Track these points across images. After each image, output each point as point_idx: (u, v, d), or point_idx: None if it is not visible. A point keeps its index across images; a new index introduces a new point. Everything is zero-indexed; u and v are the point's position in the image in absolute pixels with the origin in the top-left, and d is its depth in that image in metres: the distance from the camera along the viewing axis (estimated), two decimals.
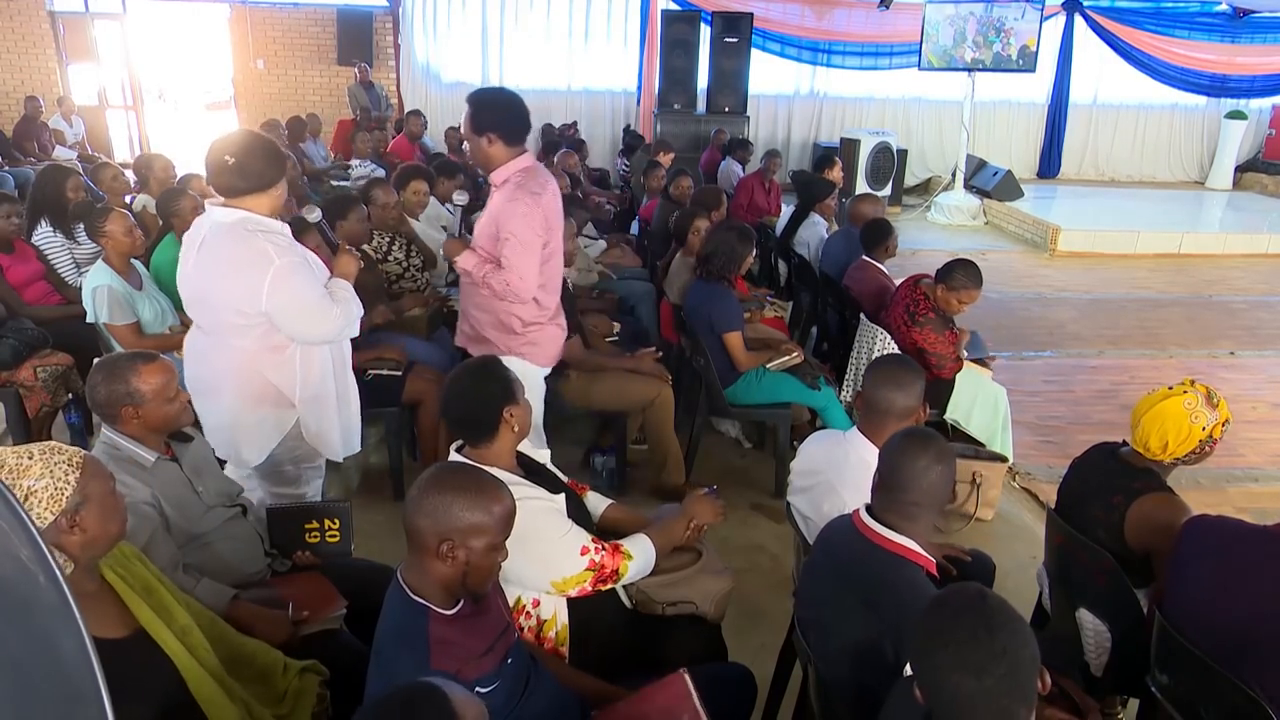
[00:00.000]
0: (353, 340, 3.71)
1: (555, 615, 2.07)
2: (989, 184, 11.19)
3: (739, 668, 2.17)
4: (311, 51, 12.06)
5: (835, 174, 7.24)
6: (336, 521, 2.46)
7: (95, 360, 2.26)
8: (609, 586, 2.11)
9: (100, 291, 3.63)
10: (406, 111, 10.08)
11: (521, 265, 2.92)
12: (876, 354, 3.92)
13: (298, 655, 2.02)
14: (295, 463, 2.87)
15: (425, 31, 12.04)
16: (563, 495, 2.15)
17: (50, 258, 4.43)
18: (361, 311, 2.86)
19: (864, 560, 1.85)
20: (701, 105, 11.16)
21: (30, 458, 1.51)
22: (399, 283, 4.45)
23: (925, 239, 9.80)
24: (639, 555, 2.15)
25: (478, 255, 3.03)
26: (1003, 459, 3.90)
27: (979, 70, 10.36)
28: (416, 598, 1.63)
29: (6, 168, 8.80)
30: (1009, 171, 11.24)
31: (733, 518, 3.85)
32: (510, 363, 2.74)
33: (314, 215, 3.15)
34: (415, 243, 4.68)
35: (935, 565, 1.92)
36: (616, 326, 4.48)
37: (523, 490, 2.03)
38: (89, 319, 3.74)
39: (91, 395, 2.17)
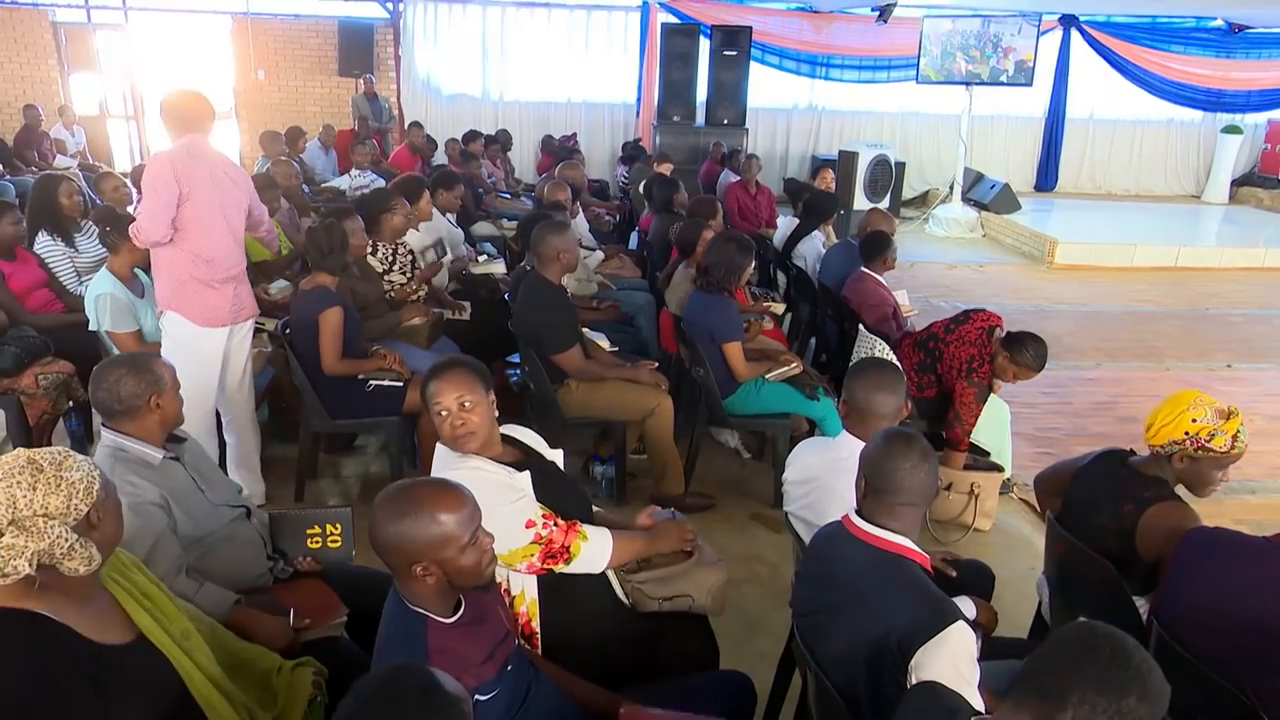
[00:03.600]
0: (355, 350, 3.76)
1: (524, 591, 2.09)
2: (986, 197, 11.25)
3: (738, 675, 2.17)
4: (312, 63, 12.12)
5: (827, 183, 7.29)
6: (338, 527, 2.47)
7: (101, 362, 2.29)
8: (561, 566, 2.09)
9: (104, 299, 3.65)
10: (408, 123, 10.13)
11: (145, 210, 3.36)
12: None
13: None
14: None
15: (426, 43, 12.11)
16: (527, 474, 2.14)
17: (52, 266, 4.44)
18: None
19: (859, 562, 1.87)
20: (701, 118, 11.21)
21: (61, 455, 1.54)
22: (404, 288, 4.48)
23: (923, 251, 9.84)
24: (595, 540, 2.13)
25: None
26: (999, 469, 3.92)
27: (976, 84, 10.43)
28: (414, 607, 1.64)
29: (8, 176, 8.83)
30: (1006, 185, 11.30)
31: (731, 527, 3.87)
32: (169, 318, 3.44)
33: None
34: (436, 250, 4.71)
35: (930, 563, 1.93)
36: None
37: (474, 462, 2.07)
38: (91, 327, 3.75)
39: (113, 391, 2.19)
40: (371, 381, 3.72)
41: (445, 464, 2.14)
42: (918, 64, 10.56)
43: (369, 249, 4.40)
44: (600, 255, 6.00)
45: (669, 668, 2.18)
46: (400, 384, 3.76)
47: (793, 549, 2.64)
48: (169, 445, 2.31)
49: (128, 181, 5.55)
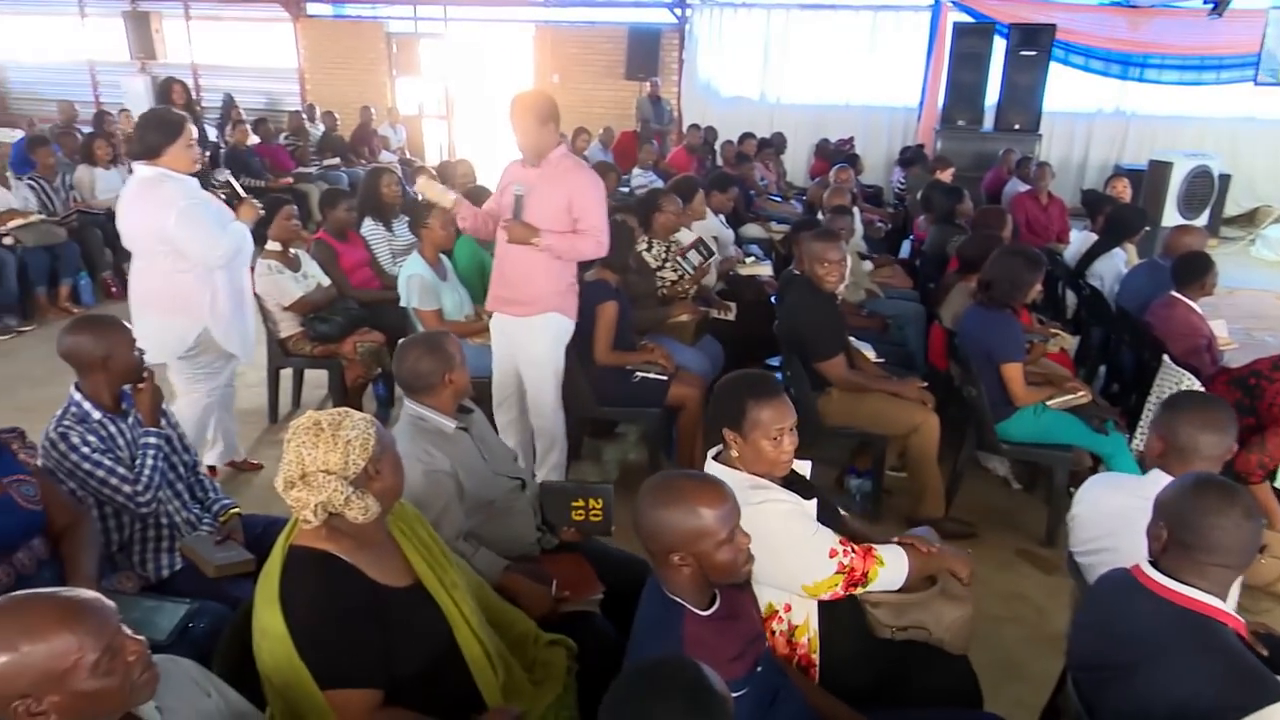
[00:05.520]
0: (625, 342, 3.92)
1: (807, 621, 2.05)
2: None
3: (994, 719, 2.03)
4: (603, 67, 12.79)
5: (1119, 193, 6.57)
6: (600, 502, 2.59)
7: (401, 342, 2.51)
8: (860, 590, 2.05)
9: (413, 279, 4.08)
10: (686, 125, 10.43)
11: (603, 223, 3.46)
12: None
13: (554, 631, 2.15)
14: (204, 362, 3.62)
15: (709, 47, 12.38)
16: (814, 500, 2.12)
17: (374, 248, 5.03)
18: (250, 248, 3.60)
19: (1155, 619, 1.67)
20: (989, 122, 10.53)
21: (339, 415, 1.72)
22: (675, 285, 4.62)
23: (1248, 277, 8.59)
24: (891, 562, 2.07)
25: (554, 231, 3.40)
26: None
27: None
28: (673, 596, 1.68)
29: (343, 168, 10.15)
30: None
31: (992, 561, 3.61)
32: (551, 319, 3.50)
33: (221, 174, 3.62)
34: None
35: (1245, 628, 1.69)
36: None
37: (769, 494, 2.03)
38: (401, 303, 4.20)
39: (413, 369, 2.39)
40: (638, 373, 3.87)
41: (739, 494, 1.97)
42: (1257, 63, 9.24)
43: (645, 245, 4.58)
44: (869, 265, 5.83)
45: (922, 699, 2.08)
46: (665, 377, 3.87)
47: (1071, 594, 2.41)
48: (458, 416, 2.51)
49: (435, 174, 6.18)
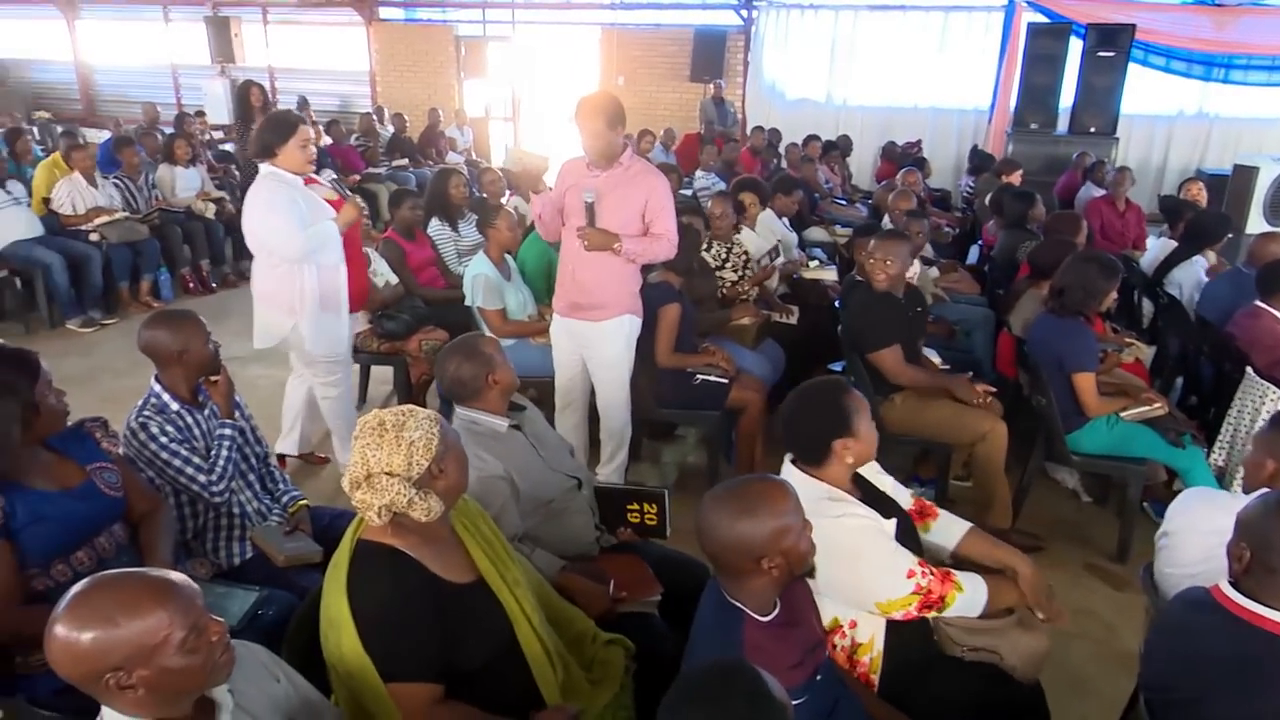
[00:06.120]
0: (687, 344, 3.91)
1: (872, 640, 2.01)
2: None
3: None
4: (667, 69, 12.80)
5: (1194, 195, 6.33)
6: (654, 506, 2.59)
7: (439, 353, 2.50)
8: (934, 614, 2.01)
9: (479, 279, 4.14)
10: (750, 128, 10.37)
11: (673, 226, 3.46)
12: (1265, 415, 3.36)
13: (612, 631, 2.14)
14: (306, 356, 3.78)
15: (775, 49, 12.30)
16: (894, 521, 2.09)
17: (440, 247, 5.12)
18: (338, 252, 3.67)
19: (1237, 644, 1.60)
20: (1063, 125, 10.24)
21: (403, 415, 1.74)
22: (736, 286, 4.60)
23: None
24: (970, 590, 2.02)
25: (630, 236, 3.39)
26: None
27: None
28: (733, 601, 1.67)
29: (411, 169, 10.35)
30: None
31: (1060, 575, 3.51)
32: (625, 321, 3.50)
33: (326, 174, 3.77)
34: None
35: None
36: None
37: (847, 508, 2.00)
38: (466, 302, 4.26)
39: (455, 377, 2.38)
40: (699, 376, 3.86)
41: (813, 504, 1.94)
42: None
43: (704, 245, 4.57)
44: (934, 272, 5.71)
45: (987, 716, 2.03)
46: (725, 380, 3.85)
47: (1146, 612, 2.33)
48: (510, 414, 2.51)
49: (503, 176, 6.25)
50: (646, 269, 3.72)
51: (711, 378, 3.85)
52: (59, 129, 10.53)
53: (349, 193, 3.82)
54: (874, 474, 2.28)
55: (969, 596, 2.02)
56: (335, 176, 3.84)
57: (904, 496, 2.32)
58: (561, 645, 1.97)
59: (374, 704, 1.67)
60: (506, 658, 1.82)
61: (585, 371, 3.71)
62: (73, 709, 1.91)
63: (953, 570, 2.05)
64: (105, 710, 1.33)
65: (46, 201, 6.46)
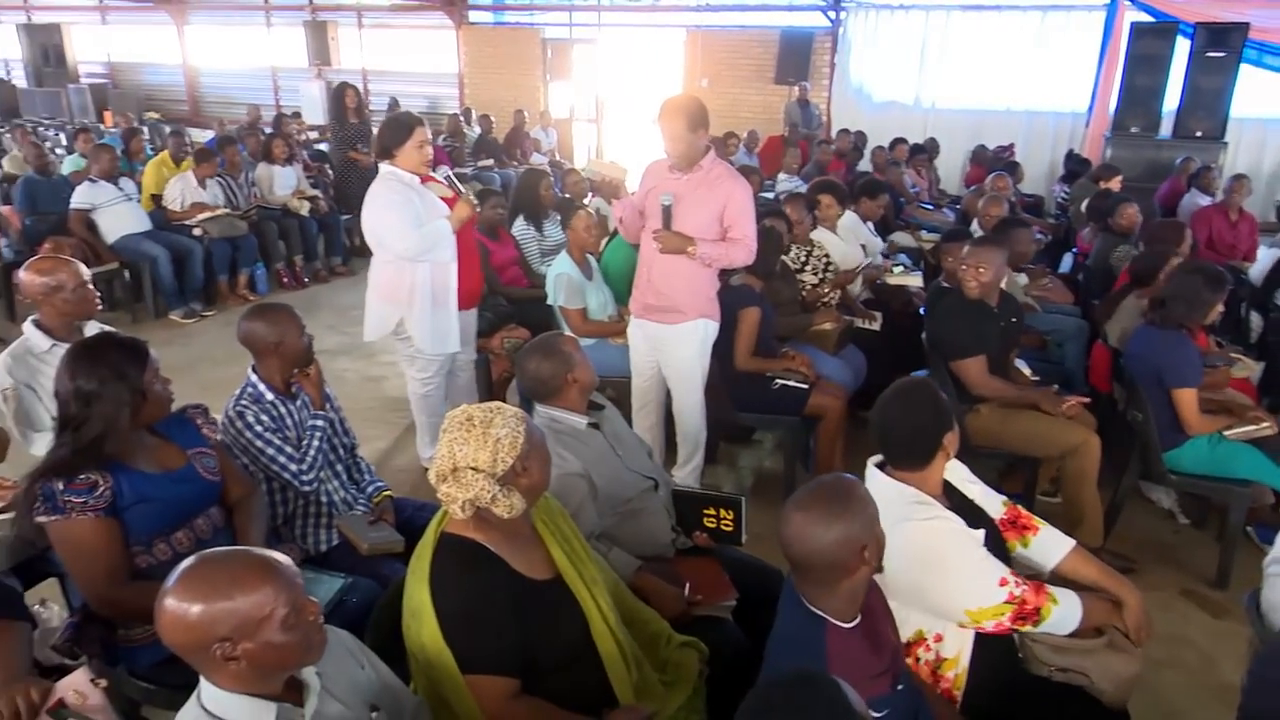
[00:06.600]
0: (766, 348, 3.88)
1: (958, 656, 1.95)
2: None
3: None
4: (752, 71, 12.71)
5: None
6: (731, 512, 2.57)
7: (519, 353, 2.53)
8: (1028, 628, 1.94)
9: (561, 278, 4.18)
10: (835, 130, 10.23)
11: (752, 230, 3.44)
12: None
13: (685, 634, 2.14)
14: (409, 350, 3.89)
15: (862, 51, 12.10)
16: (982, 531, 2.03)
17: (523, 246, 5.19)
18: (451, 250, 3.73)
19: None
20: (1166, 129, 9.79)
21: (491, 412, 1.76)
22: (816, 289, 4.54)
23: None
24: (1065, 604, 1.95)
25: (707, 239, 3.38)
26: None
27: None
28: (814, 608, 1.64)
29: (496, 169, 10.52)
30: None
31: (1153, 599, 3.32)
32: (699, 325, 3.48)
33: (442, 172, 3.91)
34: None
35: None
36: None
37: (936, 511, 1.95)
38: (548, 301, 4.31)
39: (535, 376, 2.40)
40: (778, 380, 3.83)
41: (902, 508, 1.97)
42: None
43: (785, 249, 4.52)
44: (1023, 278, 5.53)
45: None
46: (805, 386, 3.81)
47: (1249, 643, 2.21)
48: (590, 412, 2.52)
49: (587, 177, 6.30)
50: (728, 272, 3.70)
51: (791, 383, 3.81)
52: (167, 129, 11.05)
53: (463, 189, 3.88)
54: (963, 481, 2.22)
55: (1064, 611, 1.95)
56: (450, 173, 3.90)
57: (994, 504, 2.25)
58: (636, 645, 1.98)
59: (452, 694, 1.71)
60: (582, 656, 1.83)
61: (661, 374, 3.71)
62: (170, 683, 2.00)
63: (1045, 583, 1.98)
64: (204, 684, 1.39)
65: (155, 198, 6.79)
